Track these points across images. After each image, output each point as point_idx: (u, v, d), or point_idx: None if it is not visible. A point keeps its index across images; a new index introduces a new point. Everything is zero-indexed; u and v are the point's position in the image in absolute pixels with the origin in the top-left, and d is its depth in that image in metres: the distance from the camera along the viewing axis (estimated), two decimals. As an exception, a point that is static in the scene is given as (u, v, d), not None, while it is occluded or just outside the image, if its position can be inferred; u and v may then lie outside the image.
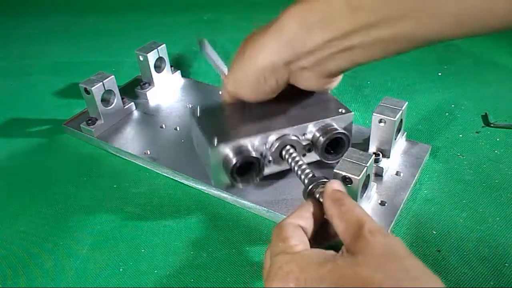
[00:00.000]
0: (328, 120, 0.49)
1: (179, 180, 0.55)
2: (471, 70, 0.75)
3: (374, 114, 0.49)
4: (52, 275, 0.45)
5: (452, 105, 0.66)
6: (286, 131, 0.48)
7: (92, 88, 0.58)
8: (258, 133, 0.47)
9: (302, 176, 0.44)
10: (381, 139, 0.51)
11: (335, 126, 0.49)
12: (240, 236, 0.48)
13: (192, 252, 0.46)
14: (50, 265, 0.46)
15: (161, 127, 0.63)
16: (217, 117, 0.50)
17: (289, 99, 0.51)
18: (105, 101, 0.62)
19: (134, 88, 0.70)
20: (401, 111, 0.49)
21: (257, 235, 0.48)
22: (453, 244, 0.45)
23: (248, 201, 0.50)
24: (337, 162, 0.43)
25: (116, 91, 0.62)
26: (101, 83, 0.59)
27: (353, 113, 0.50)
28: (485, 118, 0.62)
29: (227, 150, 0.46)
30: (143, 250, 0.47)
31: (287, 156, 0.48)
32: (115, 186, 0.55)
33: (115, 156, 0.61)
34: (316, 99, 0.52)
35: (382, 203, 0.48)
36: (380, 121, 0.49)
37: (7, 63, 0.87)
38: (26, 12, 1.10)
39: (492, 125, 0.61)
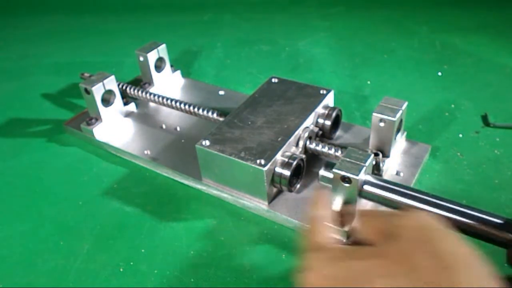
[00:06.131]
0: (322, 104, 0.55)
1: (179, 180, 0.55)
2: (471, 70, 0.75)
3: (374, 114, 0.49)
4: (52, 275, 0.45)
5: (452, 105, 0.66)
6: (301, 126, 0.51)
7: (92, 88, 0.58)
8: (287, 138, 0.49)
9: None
10: (381, 139, 0.51)
11: (330, 106, 0.56)
12: (240, 236, 0.48)
13: (192, 252, 0.46)
14: (50, 265, 0.46)
15: (161, 127, 0.63)
16: (231, 140, 0.50)
17: (270, 101, 0.56)
18: (105, 101, 0.62)
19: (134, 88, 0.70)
20: (401, 111, 0.49)
21: (257, 235, 0.48)
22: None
23: (248, 201, 0.50)
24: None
25: (116, 91, 0.62)
26: (101, 83, 0.59)
27: (332, 90, 0.57)
28: (485, 118, 0.62)
29: (277, 164, 0.47)
30: (143, 250, 0.47)
31: (313, 146, 0.52)
32: (115, 186, 0.56)
33: (115, 156, 0.61)
34: (292, 91, 0.57)
35: (382, 203, 0.48)
36: (380, 121, 0.49)
37: (8, 63, 0.87)
38: (26, 12, 1.10)
39: (491, 125, 0.61)
